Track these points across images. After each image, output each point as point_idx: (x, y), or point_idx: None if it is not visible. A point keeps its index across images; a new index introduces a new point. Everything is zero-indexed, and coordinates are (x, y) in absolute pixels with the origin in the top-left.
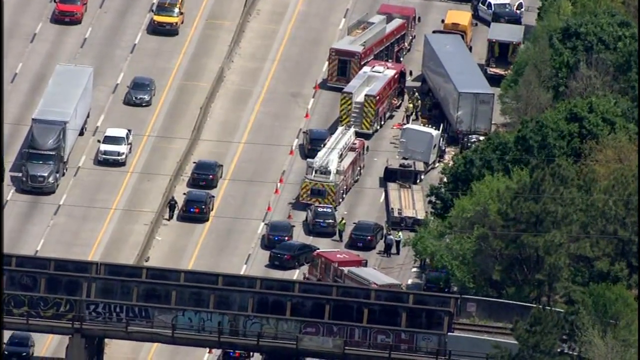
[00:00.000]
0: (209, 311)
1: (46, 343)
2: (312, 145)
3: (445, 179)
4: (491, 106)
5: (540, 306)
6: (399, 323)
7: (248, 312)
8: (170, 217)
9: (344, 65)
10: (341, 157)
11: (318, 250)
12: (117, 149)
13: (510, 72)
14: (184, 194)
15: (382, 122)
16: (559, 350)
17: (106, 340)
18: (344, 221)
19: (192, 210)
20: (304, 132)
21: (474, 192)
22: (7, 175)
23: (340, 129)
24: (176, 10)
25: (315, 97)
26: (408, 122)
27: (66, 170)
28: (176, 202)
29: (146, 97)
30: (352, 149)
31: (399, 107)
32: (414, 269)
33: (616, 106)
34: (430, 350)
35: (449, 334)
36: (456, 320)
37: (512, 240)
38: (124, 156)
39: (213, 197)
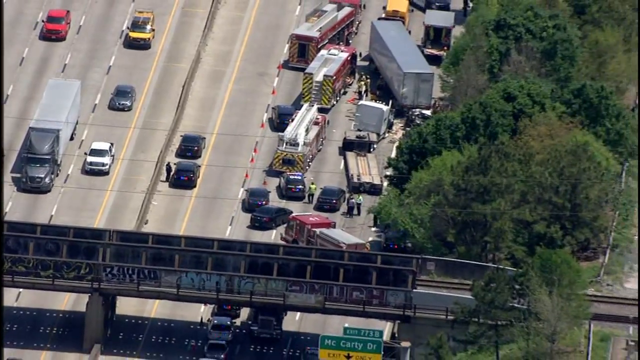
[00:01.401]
0: (208, 272)
1: (64, 300)
2: (280, 119)
3: (397, 152)
4: (431, 84)
5: (495, 267)
6: (370, 281)
7: (241, 272)
8: (167, 179)
9: (303, 48)
10: (307, 130)
11: (293, 214)
12: (101, 160)
13: (444, 52)
14: (174, 164)
15: (338, 98)
16: (511, 305)
17: (118, 297)
18: (314, 185)
19: (182, 178)
20: (272, 108)
21: (430, 166)
22: (9, 176)
23: (305, 105)
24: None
25: (279, 76)
26: (360, 99)
27: (59, 171)
28: (171, 167)
29: (128, 103)
30: (315, 123)
31: (351, 84)
32: (373, 228)
33: (544, 88)
34: (398, 305)
35: (413, 290)
36: (418, 278)
37: (464, 207)
38: (107, 167)
39: (199, 166)
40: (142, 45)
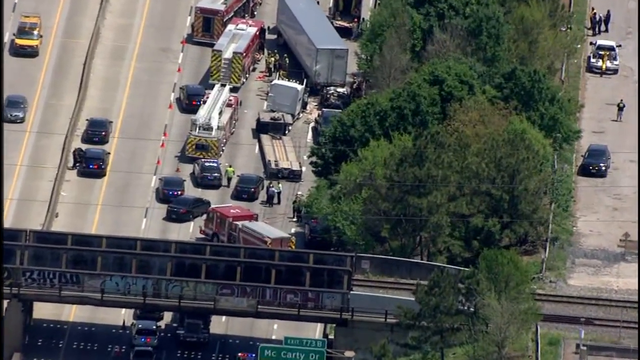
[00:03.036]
0: (134, 276)
1: None
2: (189, 100)
3: (319, 138)
4: (345, 60)
5: (434, 265)
6: (303, 282)
7: (168, 275)
8: (74, 167)
9: (208, 22)
10: (220, 113)
11: (213, 206)
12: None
13: (354, 24)
14: (82, 150)
15: (247, 75)
16: (457, 309)
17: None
18: (232, 168)
19: (91, 166)
20: (180, 88)
21: (360, 158)
22: None
23: (217, 86)
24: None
25: (183, 51)
26: (270, 75)
27: None
28: (82, 152)
29: (20, 114)
30: (228, 105)
31: (259, 61)
32: (295, 219)
33: (472, 70)
34: (335, 308)
35: (350, 292)
36: (353, 277)
37: (398, 200)
38: None
39: (108, 153)
40: (29, 52)
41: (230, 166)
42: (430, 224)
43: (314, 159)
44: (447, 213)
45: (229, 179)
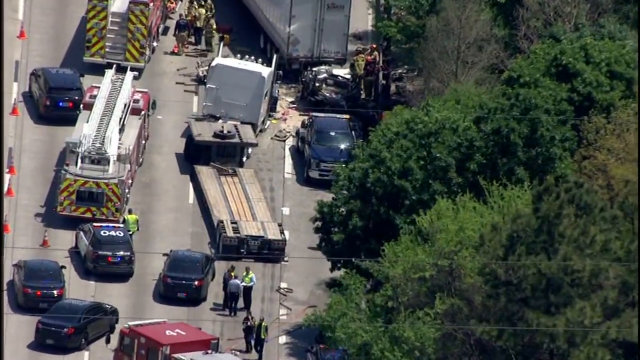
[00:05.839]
0: None
1: None
2: (52, 100)
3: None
4: (347, 13)
5: None
6: None
7: None
8: None
9: None
10: (122, 127)
11: (131, 324)
12: None
13: None
14: None
15: (156, 44)
16: None
17: None
18: (134, 216)
19: None
20: (32, 74)
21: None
22: None
23: (110, 72)
24: None
25: (26, 1)
26: (197, 43)
27: None
28: None
29: None
30: (135, 110)
31: (174, 12)
32: (286, 341)
33: (626, 49)
34: None
35: None
36: None
37: (508, 319)
38: None
39: None
40: None
41: (130, 212)
42: None
43: (319, 223)
44: (606, 345)
45: (130, 235)
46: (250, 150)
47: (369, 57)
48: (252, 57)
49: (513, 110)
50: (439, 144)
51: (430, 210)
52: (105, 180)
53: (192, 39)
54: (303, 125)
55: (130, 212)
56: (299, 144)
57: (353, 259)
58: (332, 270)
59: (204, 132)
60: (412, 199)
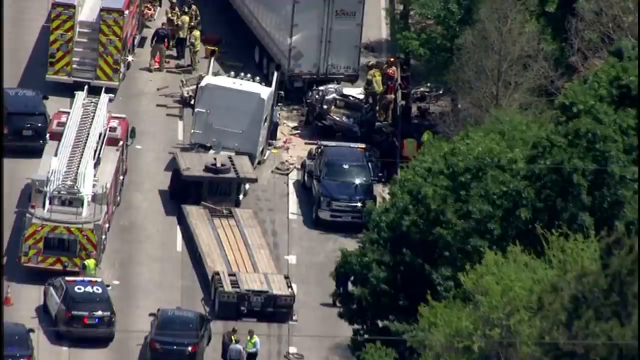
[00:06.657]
0: None
1: None
2: (14, 128)
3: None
4: (359, 21)
5: None
6: None
7: None
8: None
9: None
10: (98, 161)
11: None
12: None
13: None
14: None
15: (131, 58)
16: None
17: None
18: (92, 260)
19: None
20: None
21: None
22: None
23: (80, 95)
24: None
25: None
26: (180, 57)
27: None
28: None
29: None
30: (111, 141)
31: (152, 19)
32: None
33: None
34: None
35: None
36: None
37: None
38: None
39: None
40: None
41: (89, 256)
42: None
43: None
44: None
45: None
46: (247, 186)
47: (389, 71)
48: (249, 75)
49: (574, 147)
50: (475, 193)
51: (476, 265)
52: (79, 225)
53: (174, 52)
54: (310, 155)
55: (88, 255)
56: (306, 178)
57: (378, 321)
58: (354, 338)
59: (193, 165)
60: (452, 250)
